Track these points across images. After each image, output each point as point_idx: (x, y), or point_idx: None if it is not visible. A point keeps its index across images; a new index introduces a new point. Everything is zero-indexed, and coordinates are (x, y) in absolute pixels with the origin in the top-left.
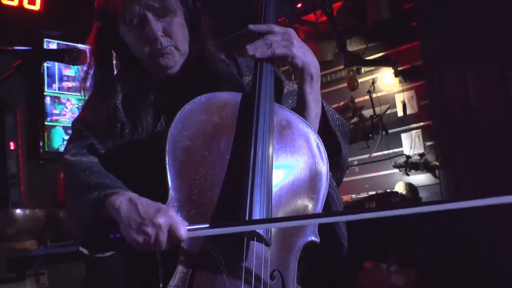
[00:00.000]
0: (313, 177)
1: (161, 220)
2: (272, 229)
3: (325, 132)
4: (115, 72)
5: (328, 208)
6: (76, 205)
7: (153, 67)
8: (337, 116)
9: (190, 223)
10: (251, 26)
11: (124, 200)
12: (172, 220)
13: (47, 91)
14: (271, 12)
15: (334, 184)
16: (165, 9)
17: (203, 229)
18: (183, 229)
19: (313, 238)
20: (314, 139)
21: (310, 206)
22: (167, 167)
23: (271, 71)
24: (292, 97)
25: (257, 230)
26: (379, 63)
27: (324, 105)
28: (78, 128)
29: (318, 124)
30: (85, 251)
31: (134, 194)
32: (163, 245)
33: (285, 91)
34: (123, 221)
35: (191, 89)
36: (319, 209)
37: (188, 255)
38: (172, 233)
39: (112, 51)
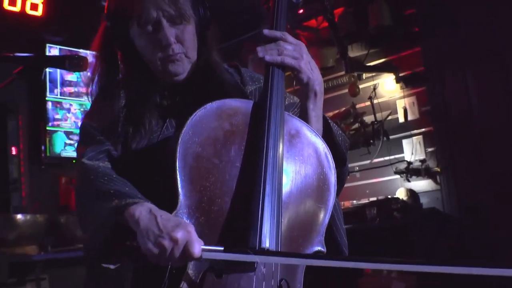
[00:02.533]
0: (321, 186)
1: (179, 235)
2: (281, 241)
3: (330, 143)
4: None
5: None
6: (94, 212)
7: (161, 72)
8: (340, 132)
9: (200, 231)
10: (266, 31)
11: (144, 211)
12: (189, 237)
13: (49, 96)
14: (282, 20)
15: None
16: (180, 16)
17: (217, 252)
18: (198, 248)
19: (319, 248)
20: (323, 149)
21: (318, 215)
22: (178, 173)
23: (282, 78)
24: (292, 109)
25: (267, 246)
26: (380, 69)
27: (328, 120)
28: (90, 131)
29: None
30: (110, 266)
31: (153, 205)
32: (176, 260)
33: (286, 102)
34: (141, 231)
35: (197, 95)
36: (326, 218)
37: (197, 263)
38: (186, 249)
39: (119, 53)
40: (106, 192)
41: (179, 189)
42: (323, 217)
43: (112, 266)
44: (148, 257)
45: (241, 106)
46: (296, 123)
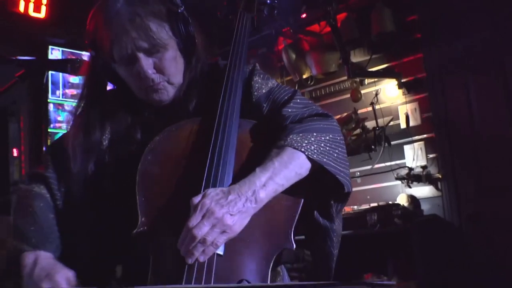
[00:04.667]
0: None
1: (44, 284)
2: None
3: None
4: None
5: (323, 244)
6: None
7: (146, 100)
8: (324, 140)
9: (159, 246)
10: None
11: (30, 259)
12: (56, 286)
13: (51, 98)
14: (242, 39)
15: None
16: (155, 46)
17: None
18: None
19: (287, 247)
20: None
21: (272, 216)
22: (137, 195)
23: (239, 90)
24: (267, 100)
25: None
26: (382, 74)
27: (304, 150)
28: (46, 157)
29: (308, 170)
30: None
31: (45, 254)
32: None
33: (254, 99)
34: (24, 277)
35: (182, 116)
36: (283, 219)
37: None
38: None
39: (106, 81)
40: (16, 228)
41: (138, 209)
42: (275, 219)
43: None
44: None
45: (195, 124)
46: (246, 131)
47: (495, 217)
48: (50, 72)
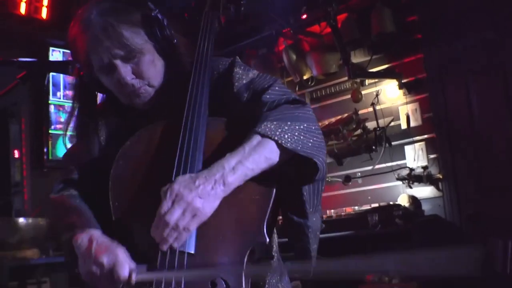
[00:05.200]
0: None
1: (104, 259)
2: (195, 241)
3: (295, 157)
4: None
5: (298, 241)
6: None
7: (131, 105)
8: (299, 129)
9: (133, 248)
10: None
11: (84, 238)
12: (115, 260)
13: (52, 99)
14: (208, 38)
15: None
16: (130, 52)
17: (148, 275)
18: (125, 271)
19: (259, 240)
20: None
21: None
22: (110, 200)
23: (206, 88)
24: (247, 90)
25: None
26: (383, 75)
27: (278, 138)
28: (64, 163)
29: (278, 156)
30: None
31: (97, 232)
32: (109, 283)
33: (235, 89)
34: (79, 258)
35: (169, 117)
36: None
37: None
38: (114, 272)
39: (94, 92)
40: (62, 226)
41: (112, 213)
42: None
43: None
44: (88, 282)
45: (165, 125)
46: (215, 128)
47: (496, 217)
48: (51, 73)
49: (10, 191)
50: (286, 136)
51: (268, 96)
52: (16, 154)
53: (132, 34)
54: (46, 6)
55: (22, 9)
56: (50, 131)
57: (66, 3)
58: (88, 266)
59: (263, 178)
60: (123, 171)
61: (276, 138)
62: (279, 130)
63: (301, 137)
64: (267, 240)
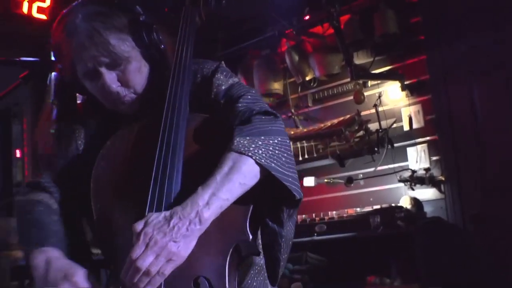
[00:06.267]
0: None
1: (63, 287)
2: None
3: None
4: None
5: (270, 248)
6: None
7: (114, 109)
8: (272, 143)
9: (115, 249)
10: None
11: (41, 260)
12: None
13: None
14: (188, 34)
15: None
16: (116, 60)
17: None
18: None
19: (241, 238)
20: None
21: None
22: (91, 201)
23: (186, 87)
24: (224, 96)
25: None
26: (385, 76)
27: (251, 154)
28: (40, 166)
29: (253, 178)
30: None
31: (55, 252)
32: None
33: (213, 95)
34: (35, 281)
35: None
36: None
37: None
38: None
39: (75, 94)
40: (22, 237)
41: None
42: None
43: None
44: None
45: (144, 125)
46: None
47: (499, 219)
48: (53, 73)
49: (12, 191)
50: (260, 151)
51: (240, 105)
52: (18, 154)
53: (118, 41)
54: (48, 6)
55: (25, 8)
56: (52, 131)
57: (68, 4)
58: None
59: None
60: (103, 172)
61: (250, 154)
62: (253, 146)
63: (276, 151)
64: (250, 237)
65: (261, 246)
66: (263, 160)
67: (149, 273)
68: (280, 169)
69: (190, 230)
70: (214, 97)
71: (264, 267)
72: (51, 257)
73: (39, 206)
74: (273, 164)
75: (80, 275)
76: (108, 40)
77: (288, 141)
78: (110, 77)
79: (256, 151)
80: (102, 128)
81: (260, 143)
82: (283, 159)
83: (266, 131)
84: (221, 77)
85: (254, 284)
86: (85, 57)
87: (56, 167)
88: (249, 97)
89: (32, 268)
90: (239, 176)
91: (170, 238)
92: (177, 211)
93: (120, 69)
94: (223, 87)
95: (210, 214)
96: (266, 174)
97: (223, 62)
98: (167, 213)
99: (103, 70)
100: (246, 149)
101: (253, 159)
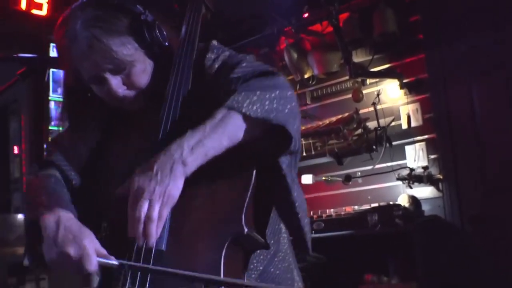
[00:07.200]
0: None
1: (70, 250)
2: (167, 240)
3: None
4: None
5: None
6: (25, 223)
7: (122, 108)
8: (270, 97)
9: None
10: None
11: (52, 220)
12: (83, 252)
13: (52, 95)
14: (194, 29)
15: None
16: (120, 65)
17: (112, 264)
18: (92, 263)
19: (235, 230)
20: None
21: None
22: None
23: (188, 72)
24: (218, 70)
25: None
26: (384, 75)
27: (245, 110)
28: (50, 146)
29: (244, 130)
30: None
31: (66, 214)
32: (73, 271)
33: (206, 76)
34: (44, 240)
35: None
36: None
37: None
38: (80, 263)
39: (83, 91)
40: (31, 206)
41: None
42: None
43: (27, 262)
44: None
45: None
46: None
47: (497, 218)
48: (51, 70)
49: (10, 187)
50: (254, 107)
51: (235, 75)
52: (16, 150)
53: (120, 46)
54: (47, 2)
55: (23, 4)
56: (50, 128)
57: (66, 0)
58: (53, 254)
59: (241, 163)
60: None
61: (243, 110)
62: (247, 101)
63: (274, 105)
64: (245, 230)
65: (283, 237)
66: (258, 114)
67: (150, 219)
68: (280, 118)
69: (174, 170)
70: (207, 74)
71: (288, 251)
72: (61, 218)
73: (49, 178)
74: (271, 116)
75: (89, 239)
76: (110, 47)
77: (289, 93)
78: (116, 82)
79: (250, 107)
80: (113, 118)
81: (255, 98)
82: (286, 111)
83: (263, 86)
84: (212, 56)
85: (277, 272)
86: (87, 65)
87: (68, 150)
88: (244, 64)
89: (42, 229)
90: (229, 127)
91: (155, 182)
92: (159, 155)
93: (125, 73)
94: (216, 65)
95: (193, 159)
96: (263, 128)
97: (214, 41)
98: (151, 159)
99: (108, 75)
100: (239, 105)
101: (247, 114)
